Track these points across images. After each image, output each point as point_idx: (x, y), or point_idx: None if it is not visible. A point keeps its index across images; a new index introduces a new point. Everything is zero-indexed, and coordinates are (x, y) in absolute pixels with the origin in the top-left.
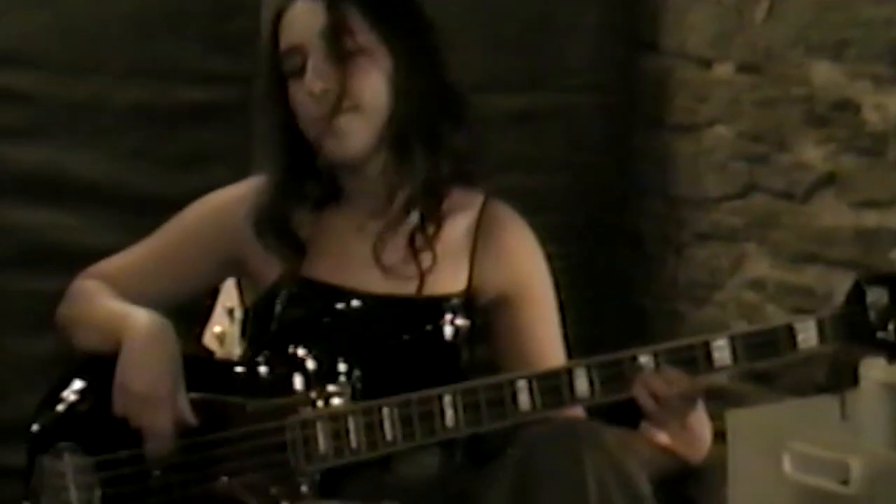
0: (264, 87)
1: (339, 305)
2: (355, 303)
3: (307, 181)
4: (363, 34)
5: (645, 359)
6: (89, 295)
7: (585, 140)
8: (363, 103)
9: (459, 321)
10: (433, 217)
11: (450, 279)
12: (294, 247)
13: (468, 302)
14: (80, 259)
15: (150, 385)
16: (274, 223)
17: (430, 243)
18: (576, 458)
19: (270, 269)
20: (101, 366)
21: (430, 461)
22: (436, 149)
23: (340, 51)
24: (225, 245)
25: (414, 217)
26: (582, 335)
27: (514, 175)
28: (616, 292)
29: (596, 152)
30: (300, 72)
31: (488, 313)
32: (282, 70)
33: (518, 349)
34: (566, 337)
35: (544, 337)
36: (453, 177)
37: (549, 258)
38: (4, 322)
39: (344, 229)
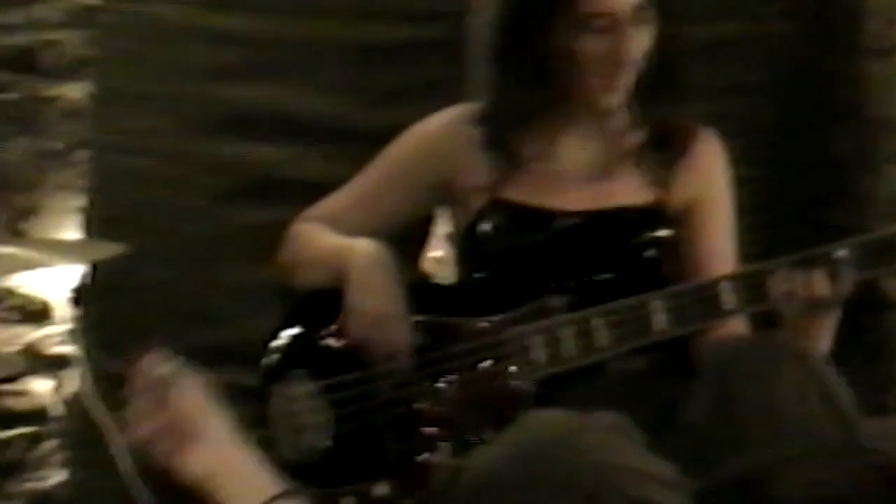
0: (528, 16)
1: (547, 225)
2: (563, 222)
3: (535, 106)
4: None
5: (842, 253)
6: (309, 235)
7: (782, 65)
8: (639, 63)
9: (661, 232)
10: (663, 146)
11: (645, 193)
12: (511, 163)
13: (666, 212)
14: (298, 191)
15: (382, 304)
16: (499, 138)
17: (657, 172)
18: (774, 370)
19: (478, 193)
20: (322, 299)
21: (639, 366)
22: (668, 86)
23: (647, 25)
24: (435, 171)
25: (632, 138)
26: (780, 255)
27: (714, 100)
28: (813, 213)
29: (792, 77)
30: (599, 30)
31: (675, 223)
32: (571, 15)
33: (693, 261)
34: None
35: (722, 249)
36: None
37: (745, 181)
38: (228, 251)
39: (554, 154)
